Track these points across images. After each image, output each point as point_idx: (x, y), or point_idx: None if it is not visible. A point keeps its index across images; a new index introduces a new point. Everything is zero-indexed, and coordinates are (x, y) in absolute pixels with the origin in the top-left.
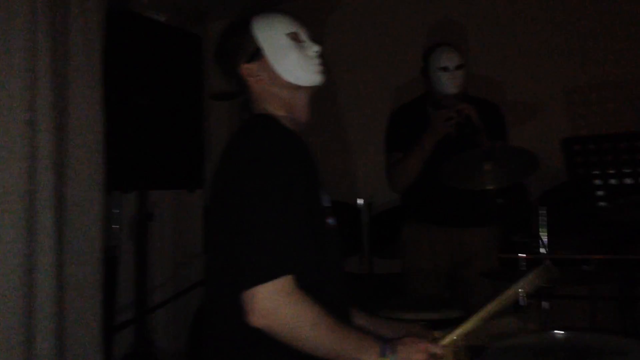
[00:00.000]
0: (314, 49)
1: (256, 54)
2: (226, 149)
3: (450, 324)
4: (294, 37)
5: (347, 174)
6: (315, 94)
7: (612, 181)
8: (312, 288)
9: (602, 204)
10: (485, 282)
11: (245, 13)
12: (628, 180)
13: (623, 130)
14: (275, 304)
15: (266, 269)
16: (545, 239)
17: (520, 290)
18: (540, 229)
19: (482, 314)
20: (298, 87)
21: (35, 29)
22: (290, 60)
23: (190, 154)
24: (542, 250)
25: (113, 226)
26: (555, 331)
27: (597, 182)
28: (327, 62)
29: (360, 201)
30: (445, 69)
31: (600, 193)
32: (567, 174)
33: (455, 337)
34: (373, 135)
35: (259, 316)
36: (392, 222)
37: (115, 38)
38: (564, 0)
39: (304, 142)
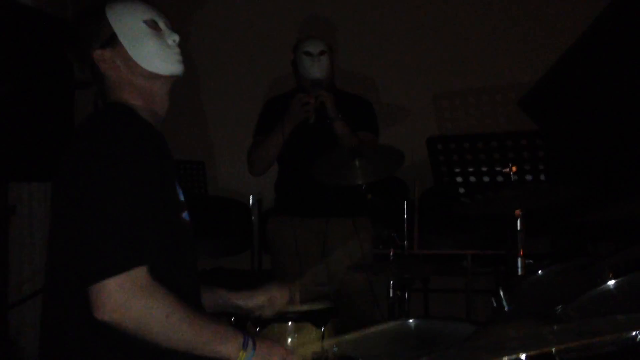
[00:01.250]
0: (172, 37)
1: (111, 40)
2: (76, 138)
3: (319, 315)
4: (152, 24)
5: (238, 170)
6: (175, 84)
7: (472, 179)
8: (165, 281)
9: (463, 200)
10: (354, 274)
11: None
12: (485, 178)
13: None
14: (126, 297)
15: (117, 260)
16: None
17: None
18: (406, 225)
19: None
20: (156, 77)
21: None
22: (147, 48)
23: (58, 144)
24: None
25: None
26: (410, 320)
27: (459, 179)
28: (214, 62)
29: (250, 198)
30: (308, 53)
31: (461, 190)
32: (432, 172)
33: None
34: None
35: (109, 310)
36: None
37: None
38: (430, 9)
39: (159, 133)
